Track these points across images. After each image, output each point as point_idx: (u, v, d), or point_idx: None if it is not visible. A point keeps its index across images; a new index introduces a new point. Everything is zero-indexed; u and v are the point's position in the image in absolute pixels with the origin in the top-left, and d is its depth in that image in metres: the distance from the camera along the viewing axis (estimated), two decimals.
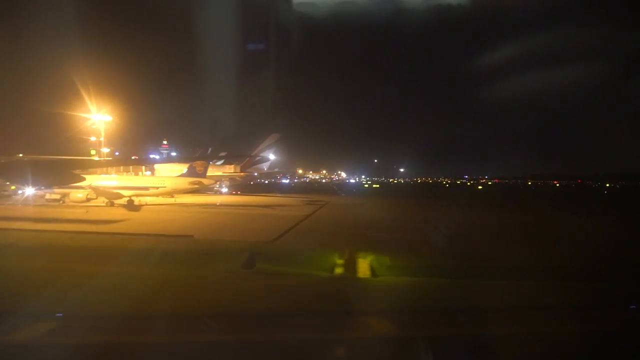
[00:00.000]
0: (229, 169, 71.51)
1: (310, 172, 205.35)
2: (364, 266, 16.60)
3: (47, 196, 45.06)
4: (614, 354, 5.78)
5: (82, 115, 55.46)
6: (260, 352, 5.69)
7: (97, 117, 56.88)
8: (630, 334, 6.34)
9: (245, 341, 6.04)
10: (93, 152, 60.01)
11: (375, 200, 68.07)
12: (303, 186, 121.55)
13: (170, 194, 48.52)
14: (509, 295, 9.84)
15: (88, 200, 42.48)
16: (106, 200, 43.80)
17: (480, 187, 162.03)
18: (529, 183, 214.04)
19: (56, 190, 43.31)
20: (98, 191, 43.26)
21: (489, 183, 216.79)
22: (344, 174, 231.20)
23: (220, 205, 47.85)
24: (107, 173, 54.44)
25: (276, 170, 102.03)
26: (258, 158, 77.79)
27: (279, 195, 70.09)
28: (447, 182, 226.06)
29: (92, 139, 61.49)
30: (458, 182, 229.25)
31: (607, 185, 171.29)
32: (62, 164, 39.56)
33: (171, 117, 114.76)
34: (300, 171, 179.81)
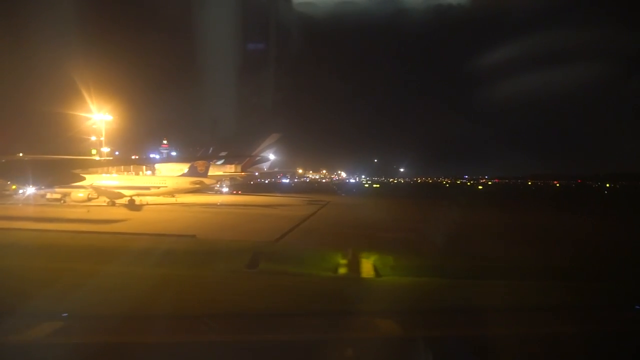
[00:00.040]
0: (230, 169, 71.53)
1: (310, 171, 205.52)
2: (367, 266, 16.60)
3: (48, 196, 45.06)
4: (616, 354, 5.76)
5: (83, 114, 55.51)
6: (265, 353, 5.67)
7: (98, 117, 56.90)
8: (631, 334, 6.32)
9: (249, 341, 6.02)
10: (94, 151, 60.01)
11: (375, 200, 68.06)
12: (303, 186, 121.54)
13: (172, 193, 48.52)
14: (511, 295, 9.83)
15: (89, 199, 42.44)
16: (107, 200, 43.79)
17: (480, 187, 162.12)
18: (529, 183, 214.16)
19: (57, 189, 43.28)
20: (99, 191, 43.26)
21: (489, 183, 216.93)
22: (343, 174, 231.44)
23: (222, 205, 47.85)
24: (108, 173, 54.48)
25: (276, 170, 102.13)
26: (258, 158, 77.83)
27: (280, 195, 70.09)
28: (447, 182, 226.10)
29: (93, 138, 61.53)
30: (458, 182, 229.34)
31: (607, 185, 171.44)
32: (61, 163, 39.60)
33: (171, 117, 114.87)
34: (300, 171, 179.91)
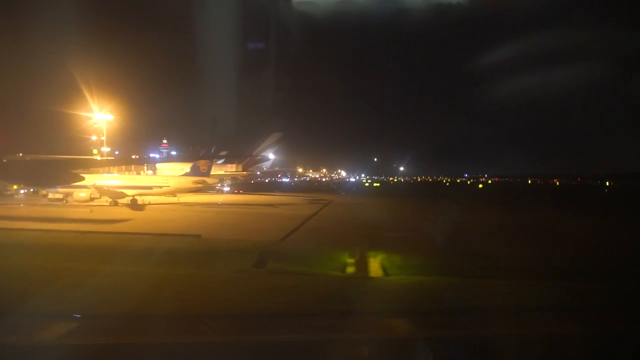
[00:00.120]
0: (231, 168, 71.51)
1: (311, 170, 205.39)
2: (375, 265, 16.60)
3: (50, 195, 45.03)
4: (616, 354, 5.76)
5: (84, 114, 55.48)
6: (276, 352, 5.66)
7: (99, 116, 56.86)
8: (631, 334, 6.32)
9: (260, 341, 6.02)
10: (95, 151, 60.00)
11: (377, 200, 68.04)
12: (303, 185, 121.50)
13: (174, 193, 48.47)
14: (511, 295, 9.79)
15: (91, 199, 42.41)
16: (110, 200, 43.74)
17: (480, 186, 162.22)
18: (529, 182, 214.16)
19: (59, 189, 43.22)
20: (102, 190, 43.21)
21: (489, 182, 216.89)
22: (343, 173, 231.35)
23: (224, 204, 47.82)
24: (109, 172, 54.45)
25: (276, 169, 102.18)
26: (259, 157, 77.83)
27: (281, 194, 70.10)
28: (447, 181, 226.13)
29: (93, 138, 61.48)
30: (458, 180, 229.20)
31: (607, 184, 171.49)
32: (60, 163, 39.52)
33: (171, 117, 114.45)
34: (300, 170, 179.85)
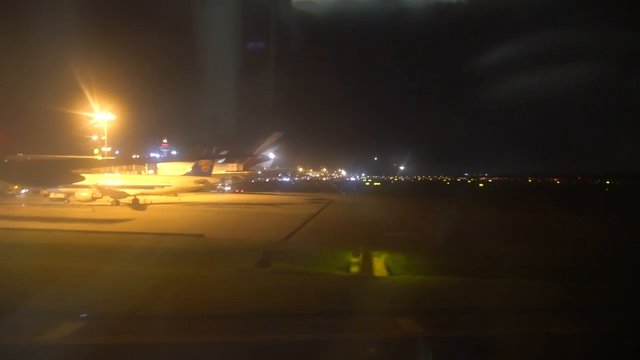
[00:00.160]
0: (232, 168, 71.57)
1: (311, 170, 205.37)
2: (379, 265, 16.62)
3: (52, 195, 45.06)
4: (617, 355, 5.77)
5: (84, 114, 55.47)
6: (283, 353, 5.68)
7: (100, 116, 56.87)
8: (632, 335, 6.33)
9: (266, 341, 6.03)
10: (96, 151, 60.00)
11: (378, 199, 68.06)
12: (304, 184, 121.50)
13: (176, 192, 48.49)
14: (512, 295, 9.77)
15: (93, 199, 42.42)
16: (111, 200, 43.76)
17: (481, 185, 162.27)
18: (529, 181, 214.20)
19: (61, 189, 43.24)
20: (103, 190, 43.24)
21: (489, 181, 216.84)
22: (344, 172, 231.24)
23: (225, 203, 47.83)
24: (110, 172, 54.46)
25: (277, 168, 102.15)
26: (260, 157, 77.90)
27: (282, 193, 70.14)
28: (447, 180, 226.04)
29: (94, 137, 61.49)
30: (458, 180, 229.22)
31: (607, 182, 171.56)
32: (61, 163, 39.51)
33: (171, 116, 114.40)
34: (300, 169, 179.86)
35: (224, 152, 70.37)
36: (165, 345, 5.81)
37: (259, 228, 28.99)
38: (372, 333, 6.48)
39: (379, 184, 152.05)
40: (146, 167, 66.43)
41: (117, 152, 67.97)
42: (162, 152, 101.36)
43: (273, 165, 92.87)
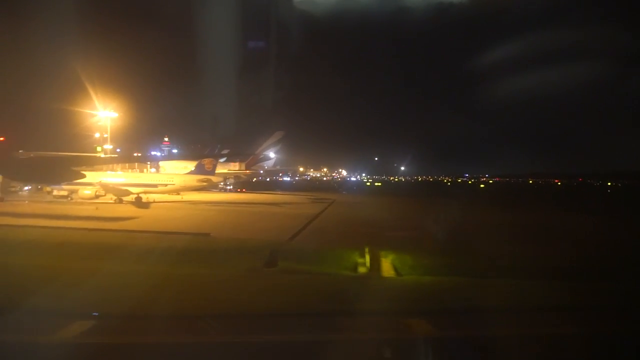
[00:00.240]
0: (234, 167, 71.66)
1: (311, 170, 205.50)
2: (386, 265, 16.64)
3: (55, 192, 45.07)
4: (618, 355, 5.79)
5: (87, 111, 55.56)
6: (291, 353, 5.69)
7: (103, 114, 56.96)
8: (632, 335, 6.35)
9: (276, 342, 6.04)
10: (99, 148, 60.08)
11: (380, 199, 68.14)
12: (304, 184, 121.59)
13: (179, 191, 48.52)
14: (512, 295, 9.77)
15: (96, 197, 42.46)
16: (114, 197, 43.80)
17: (482, 186, 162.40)
18: (530, 182, 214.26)
19: (64, 186, 43.27)
20: (107, 188, 43.28)
21: (490, 181, 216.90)
22: (344, 172, 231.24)
23: (228, 202, 47.85)
24: (113, 170, 54.52)
25: (278, 167, 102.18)
26: (262, 156, 77.98)
27: (284, 193, 70.18)
28: (448, 181, 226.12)
29: (96, 135, 61.59)
30: (459, 180, 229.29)
31: (609, 183, 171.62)
32: (63, 160, 39.54)
33: (172, 115, 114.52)
34: (301, 169, 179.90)
35: (225, 151, 70.46)
36: (180, 345, 5.82)
37: (263, 227, 29.02)
38: (382, 333, 6.49)
39: (379, 184, 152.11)
40: (148, 165, 66.50)
41: (118, 150, 68.10)
42: (163, 150, 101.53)
43: (274, 164, 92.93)
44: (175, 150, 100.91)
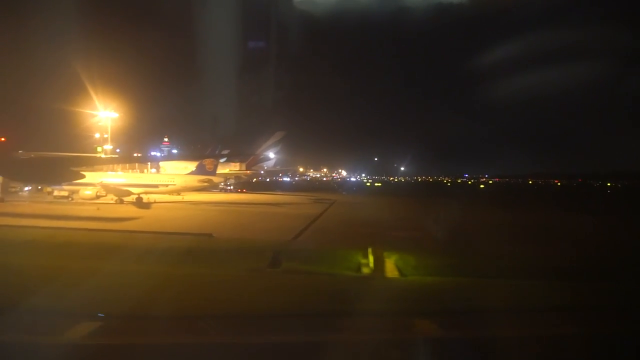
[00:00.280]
0: (235, 167, 71.65)
1: (311, 170, 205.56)
2: (390, 266, 16.59)
3: (56, 193, 45.01)
4: (620, 356, 5.76)
5: (88, 112, 55.55)
6: (295, 354, 5.66)
7: (104, 114, 56.96)
8: (633, 335, 6.32)
9: (283, 343, 6.00)
10: (99, 149, 60.04)
11: (380, 199, 68.15)
12: (304, 184, 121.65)
13: (180, 191, 48.47)
14: (513, 295, 9.75)
15: (97, 197, 42.39)
16: (115, 198, 43.74)
17: (482, 186, 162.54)
18: (530, 182, 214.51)
19: (65, 187, 43.21)
20: (108, 188, 43.22)
21: (490, 182, 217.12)
22: (344, 173, 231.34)
23: (229, 203, 47.82)
24: (113, 170, 54.49)
25: (278, 168, 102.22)
26: (262, 156, 78.02)
27: (284, 193, 70.19)
28: (448, 181, 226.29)
29: (97, 135, 61.57)
30: (459, 180, 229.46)
31: (609, 184, 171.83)
32: (63, 161, 39.46)
33: (172, 115, 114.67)
34: (301, 169, 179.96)
35: (225, 152, 70.48)
36: (185, 345, 5.79)
37: (265, 228, 28.98)
38: (384, 334, 6.47)
39: (380, 184, 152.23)
40: (149, 166, 66.49)
41: (118, 151, 68.06)
42: (163, 150, 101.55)
43: (275, 165, 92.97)
44: (175, 151, 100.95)
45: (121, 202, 43.40)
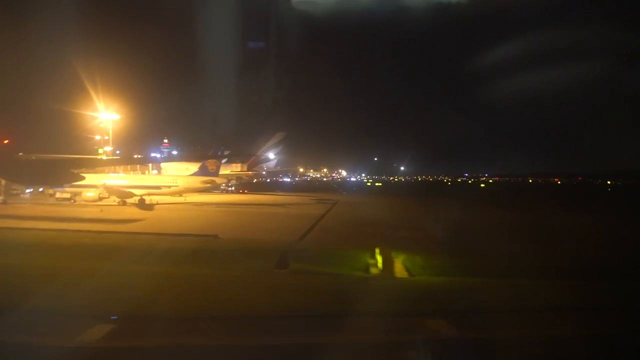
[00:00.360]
0: (236, 168, 71.65)
1: (311, 170, 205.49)
2: (398, 266, 16.59)
3: (58, 195, 44.95)
4: (621, 356, 5.75)
5: (88, 113, 55.48)
6: (307, 356, 5.64)
7: (105, 116, 56.90)
8: (633, 335, 6.32)
9: (290, 344, 5.99)
10: (101, 150, 59.98)
11: (382, 199, 68.15)
12: (305, 185, 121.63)
13: (182, 193, 48.41)
14: (514, 295, 9.76)
15: (100, 199, 42.34)
16: (118, 200, 43.68)
17: (482, 185, 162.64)
18: (530, 181, 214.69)
19: (67, 188, 43.14)
20: (111, 190, 43.17)
21: (490, 181, 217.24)
22: (344, 173, 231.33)
23: (232, 204, 47.78)
24: (115, 172, 54.42)
25: (279, 168, 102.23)
26: (263, 157, 78.05)
27: (286, 194, 70.23)
28: (448, 181, 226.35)
29: (97, 137, 61.50)
30: (459, 180, 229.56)
31: (609, 182, 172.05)
32: (64, 162, 39.43)
33: (171, 116, 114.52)
34: (301, 170, 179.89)
35: (226, 152, 70.44)
36: (196, 347, 5.77)
37: (271, 228, 28.96)
38: (386, 334, 6.46)
39: (380, 184, 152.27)
40: (150, 167, 66.43)
41: (118, 152, 67.98)
42: (163, 152, 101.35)
43: (275, 165, 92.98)
44: (175, 152, 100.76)
45: (124, 203, 43.34)
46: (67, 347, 5.50)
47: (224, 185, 64.82)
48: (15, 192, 47.82)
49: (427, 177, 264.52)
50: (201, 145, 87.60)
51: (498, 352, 5.58)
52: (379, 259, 17.04)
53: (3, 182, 40.40)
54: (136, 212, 36.59)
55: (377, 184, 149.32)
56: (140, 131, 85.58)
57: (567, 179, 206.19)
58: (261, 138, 78.39)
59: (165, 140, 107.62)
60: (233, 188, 72.12)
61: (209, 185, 48.95)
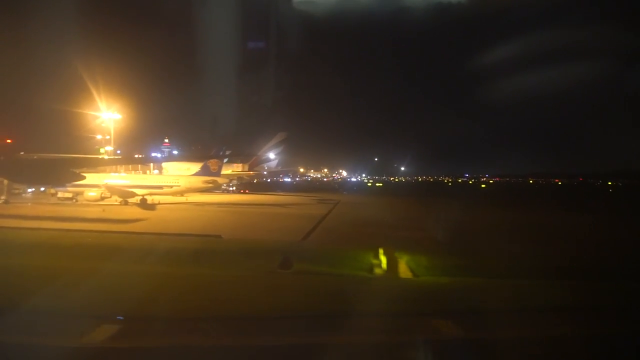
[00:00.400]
0: (237, 168, 71.70)
1: (312, 170, 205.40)
2: (402, 266, 16.67)
3: (59, 194, 45.02)
4: (622, 356, 5.82)
5: (91, 113, 55.60)
6: (307, 356, 5.72)
7: (107, 115, 57.02)
8: (633, 335, 6.39)
9: (295, 345, 6.06)
10: (102, 150, 60.11)
11: (384, 199, 68.20)
12: (305, 185, 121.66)
13: (184, 192, 48.48)
14: (514, 295, 9.84)
15: (102, 198, 42.42)
16: (119, 199, 43.76)
17: (483, 186, 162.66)
18: (530, 181, 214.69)
19: (69, 188, 43.23)
20: (113, 190, 43.25)
21: (491, 181, 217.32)
22: (344, 173, 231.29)
23: (234, 204, 47.85)
24: (116, 171, 54.52)
25: (279, 168, 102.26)
26: (264, 157, 78.12)
27: (287, 194, 70.26)
28: (449, 181, 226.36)
29: (98, 137, 61.62)
30: (459, 180, 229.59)
31: (610, 183, 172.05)
32: (62, 162, 39.51)
33: (172, 116, 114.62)
34: (301, 170, 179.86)
35: (228, 152, 70.49)
36: (198, 347, 5.85)
37: (274, 228, 29.02)
38: (387, 334, 6.54)
39: (381, 184, 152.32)
40: (151, 167, 66.53)
41: (118, 152, 68.10)
42: (164, 151, 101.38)
43: (276, 165, 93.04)
44: (175, 152, 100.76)
45: (126, 203, 43.41)
46: (67, 347, 5.55)
47: (225, 185, 64.93)
48: (17, 191, 47.87)
49: (428, 177, 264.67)
50: (202, 145, 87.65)
51: (498, 352, 5.65)
52: (381, 259, 17.14)
53: (5, 181, 40.48)
54: (138, 212, 36.66)
55: (377, 185, 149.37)
56: (141, 131, 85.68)
57: (567, 179, 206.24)
58: (262, 138, 78.52)
59: (166, 140, 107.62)
60: (234, 188, 72.18)
61: (210, 185, 49.03)
